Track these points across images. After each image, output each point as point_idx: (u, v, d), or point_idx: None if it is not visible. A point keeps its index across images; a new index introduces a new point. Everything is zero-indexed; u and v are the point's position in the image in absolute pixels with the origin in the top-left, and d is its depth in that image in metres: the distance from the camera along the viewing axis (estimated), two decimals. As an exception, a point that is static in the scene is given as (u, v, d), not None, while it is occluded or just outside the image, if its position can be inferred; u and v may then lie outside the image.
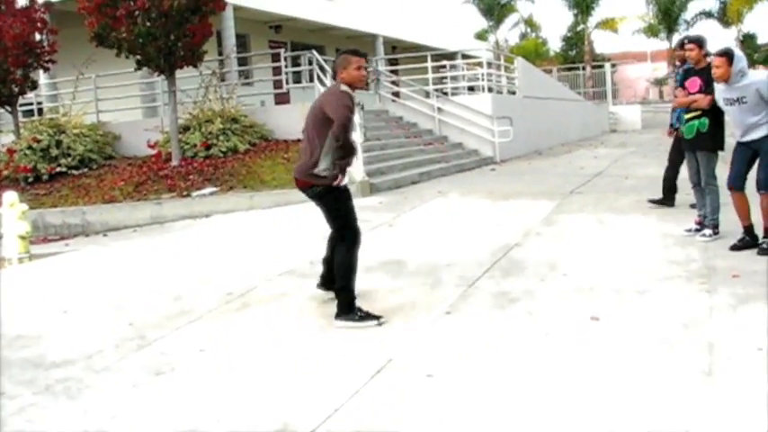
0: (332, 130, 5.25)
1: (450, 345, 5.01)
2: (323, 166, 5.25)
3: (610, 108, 31.57)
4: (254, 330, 5.67)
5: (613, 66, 37.22)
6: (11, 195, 10.52)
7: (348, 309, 5.56)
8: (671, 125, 9.54)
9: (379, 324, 5.46)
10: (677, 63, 8.02)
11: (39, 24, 16.44)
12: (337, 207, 5.67)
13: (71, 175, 15.80)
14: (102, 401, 4.48)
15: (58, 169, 15.81)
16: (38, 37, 16.50)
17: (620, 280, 6.37)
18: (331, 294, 5.92)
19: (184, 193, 13.59)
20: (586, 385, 4.21)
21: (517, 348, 4.87)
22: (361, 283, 5.89)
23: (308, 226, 9.09)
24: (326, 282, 6.11)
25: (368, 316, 5.54)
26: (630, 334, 4.99)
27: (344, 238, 5.70)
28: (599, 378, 4.30)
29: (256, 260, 8.19)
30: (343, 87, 5.48)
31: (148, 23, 13.92)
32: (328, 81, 14.78)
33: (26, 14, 16.23)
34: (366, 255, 7.81)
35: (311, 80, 16.68)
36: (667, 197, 9.75)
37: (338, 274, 5.62)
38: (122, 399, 4.49)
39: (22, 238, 10.28)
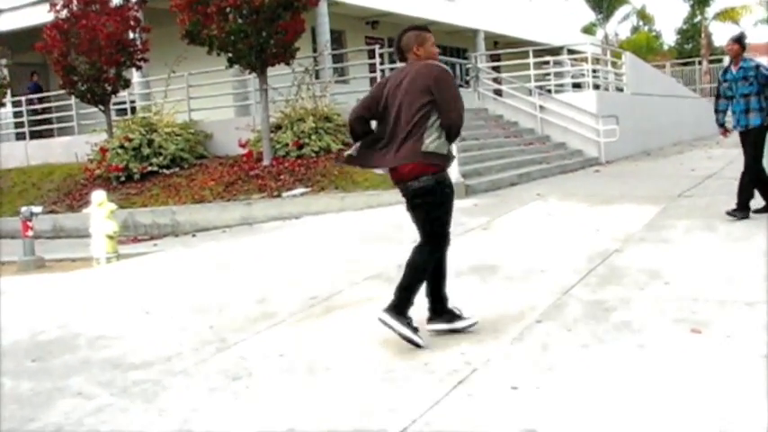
0: (445, 118, 5.00)
1: (538, 355, 4.93)
2: (436, 144, 5.01)
3: (728, 105, 30.63)
4: (336, 336, 5.71)
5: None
6: (99, 194, 10.90)
7: (402, 309, 5.19)
8: (720, 124, 9.40)
9: (419, 347, 5.12)
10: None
11: (132, 23, 17.03)
12: (442, 208, 5.19)
13: (162, 174, 16.28)
14: (177, 405, 4.59)
15: (150, 168, 16.32)
16: (131, 35, 17.09)
17: (726, 290, 6.17)
18: (444, 326, 5.45)
19: (275, 193, 13.82)
20: (680, 403, 4.09)
21: (608, 361, 4.76)
22: (451, 287, 5.85)
23: (399, 228, 9.11)
24: (436, 309, 5.50)
25: (415, 332, 5.17)
26: (734, 349, 4.82)
27: (432, 243, 5.23)
28: (694, 396, 4.17)
29: (344, 263, 8.26)
30: (434, 62, 5.20)
31: (240, 20, 14.23)
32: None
33: (120, 13, 16.82)
34: (458, 258, 7.80)
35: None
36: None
37: (407, 272, 5.22)
38: (198, 402, 4.59)
39: (110, 237, 10.64)
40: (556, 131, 18.47)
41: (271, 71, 15.58)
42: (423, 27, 5.45)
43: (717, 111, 9.39)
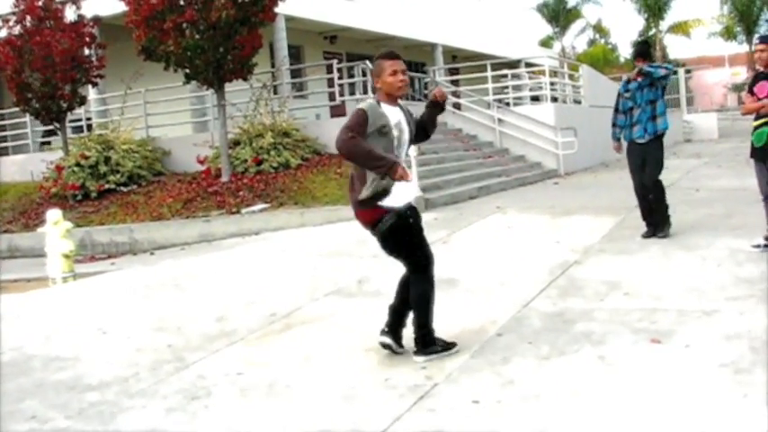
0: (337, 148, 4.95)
1: (499, 369, 4.93)
2: (366, 191, 4.94)
3: (684, 116, 31.07)
4: (296, 353, 5.66)
5: (688, 72, 36.59)
6: (54, 213, 10.75)
7: (429, 341, 5.23)
8: (617, 139, 9.33)
9: (457, 351, 5.27)
10: (758, 67, 7.85)
11: (87, 39, 16.90)
12: (410, 235, 5.12)
13: (120, 192, 16.14)
14: (134, 427, 4.51)
15: (107, 186, 16.17)
16: (86, 51, 16.93)
17: (685, 300, 6.23)
18: (399, 348, 5.35)
19: (234, 209, 13.74)
20: (640, 413, 4.10)
21: (569, 373, 4.77)
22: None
23: (359, 243, 9.07)
24: (394, 330, 5.37)
25: (447, 345, 5.29)
26: (693, 358, 4.86)
27: (418, 265, 5.17)
28: (654, 406, 4.18)
29: (304, 279, 8.21)
30: (368, 101, 5.00)
31: (196, 36, 14.18)
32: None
33: (75, 29, 16.68)
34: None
35: (365, 92, 16.75)
36: None
37: (414, 309, 5.22)
38: (155, 424, 4.52)
39: (66, 256, 10.49)
40: (515, 144, 18.56)
41: (228, 87, 15.53)
42: (385, 54, 5.11)
43: (614, 125, 9.26)
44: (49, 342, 6.69)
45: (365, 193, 4.94)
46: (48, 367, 5.86)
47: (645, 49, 9.47)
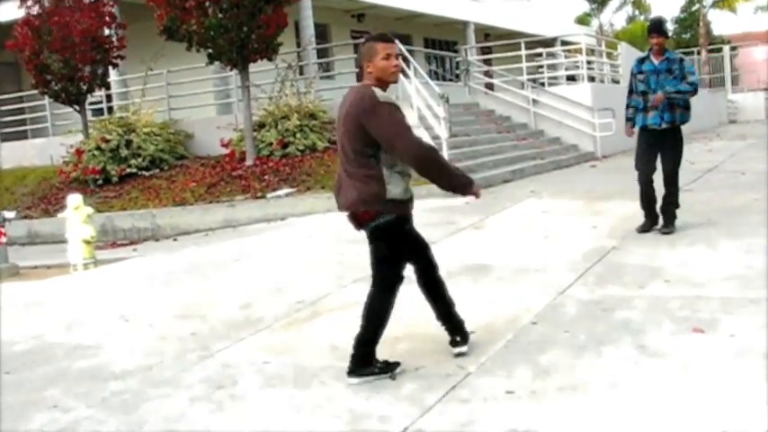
0: (396, 155, 4.64)
1: (534, 358, 4.92)
2: (396, 190, 4.69)
3: (729, 96, 30.76)
4: (323, 341, 5.69)
5: (733, 48, 36.18)
6: (75, 198, 10.84)
7: (366, 360, 4.88)
8: (629, 119, 8.82)
9: (392, 378, 4.83)
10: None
11: (107, 18, 16.96)
12: (401, 244, 4.93)
13: (141, 176, 16.24)
14: (158, 416, 4.55)
15: (128, 170, 16.27)
16: (106, 32, 17.01)
17: (729, 287, 6.17)
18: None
19: (259, 194, 13.80)
20: (682, 404, 4.08)
21: (608, 363, 4.75)
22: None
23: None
24: (457, 331, 5.17)
25: (385, 368, 4.89)
26: (738, 348, 4.82)
27: (385, 281, 4.91)
28: (698, 398, 4.16)
29: (331, 266, 8.23)
30: (376, 91, 4.65)
31: (219, 15, 14.20)
32: (412, 74, 14.80)
33: (94, 8, 16.76)
34: (449, 259, 7.79)
35: (394, 72, 16.68)
36: None
37: (370, 319, 4.87)
38: (180, 413, 4.56)
39: (87, 242, 10.59)
40: (550, 126, 18.49)
41: (253, 67, 15.56)
42: (378, 36, 4.86)
43: (629, 106, 8.79)
44: (71, 330, 6.78)
45: (396, 191, 4.69)
46: (69, 356, 5.94)
47: (659, 23, 8.70)
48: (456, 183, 4.79)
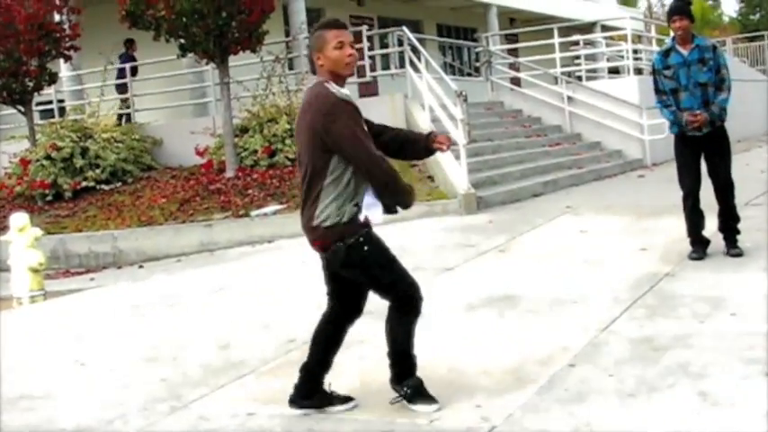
0: (357, 166, 4.76)
1: (572, 408, 4.91)
2: (327, 212, 4.81)
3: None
4: (319, 388, 5.67)
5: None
6: (20, 217, 10.85)
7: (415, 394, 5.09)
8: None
9: (350, 409, 5.20)
10: None
11: (58, 2, 16.95)
12: (377, 263, 4.97)
13: (100, 190, 16.28)
14: (121, 479, 4.55)
15: (84, 184, 16.29)
16: (57, 18, 17.01)
17: (808, 322, 6.16)
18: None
19: (241, 212, 13.81)
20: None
21: (661, 412, 4.74)
22: (462, 324, 5.82)
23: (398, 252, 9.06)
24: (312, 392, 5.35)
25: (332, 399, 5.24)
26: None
27: (401, 298, 5.05)
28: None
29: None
30: (329, 87, 4.78)
31: (193, -3, 14.22)
32: (423, 67, 14.84)
33: (42, -10, 16.74)
34: (469, 288, 7.80)
35: (402, 65, 16.75)
36: None
37: (398, 351, 5.10)
38: (147, 476, 4.56)
39: (35, 271, 10.60)
40: (589, 128, 18.46)
41: (233, 60, 15.60)
42: (327, 23, 4.97)
43: (666, 105, 8.55)
44: (15, 376, 6.76)
45: (324, 214, 4.81)
46: (13, 407, 5.93)
47: (681, 3, 8.52)
48: (403, 197, 4.95)
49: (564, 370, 5.59)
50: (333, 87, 4.78)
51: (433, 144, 5.15)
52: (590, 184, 15.42)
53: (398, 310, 5.03)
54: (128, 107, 19.87)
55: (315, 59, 4.89)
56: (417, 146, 5.21)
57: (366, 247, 4.87)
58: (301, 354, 6.46)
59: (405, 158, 5.47)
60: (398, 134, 5.23)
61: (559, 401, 5.05)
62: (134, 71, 19.76)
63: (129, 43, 19.81)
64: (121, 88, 19.62)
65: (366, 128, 4.88)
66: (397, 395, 5.06)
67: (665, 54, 8.56)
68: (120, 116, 20.04)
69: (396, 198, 4.92)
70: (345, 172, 4.76)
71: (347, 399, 5.25)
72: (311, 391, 5.19)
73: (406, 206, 4.99)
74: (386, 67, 19.43)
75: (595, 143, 18.26)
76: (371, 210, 4.91)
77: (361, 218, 4.85)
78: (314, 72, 5.00)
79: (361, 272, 4.97)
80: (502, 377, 5.44)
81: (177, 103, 19.28)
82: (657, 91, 8.65)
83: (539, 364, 5.73)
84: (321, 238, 4.86)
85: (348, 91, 4.90)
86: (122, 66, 19.64)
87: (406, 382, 5.04)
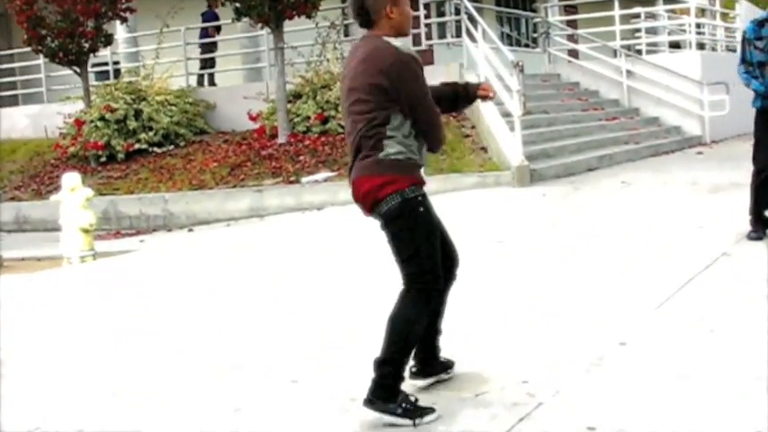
0: (418, 123, 4.57)
1: (622, 387, 4.81)
2: (396, 148, 4.52)
3: None
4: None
5: None
6: (72, 178, 10.90)
7: (390, 393, 4.59)
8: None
9: (415, 426, 4.51)
10: None
11: (115, -36, 16.97)
12: (417, 235, 4.63)
13: (152, 153, 16.35)
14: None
15: (137, 146, 16.38)
16: (114, -21, 17.05)
17: None
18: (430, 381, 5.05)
19: (292, 178, 13.80)
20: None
21: (713, 392, 4.63)
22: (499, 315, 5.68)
23: (447, 224, 8.99)
24: (426, 362, 5.09)
25: (415, 410, 4.57)
26: None
27: (418, 286, 4.68)
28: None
29: (375, 271, 8.15)
30: (396, 43, 4.57)
31: (250, -41, 14.19)
32: (480, 36, 14.69)
33: (99, -50, 16.79)
34: (519, 264, 7.71)
35: (458, 34, 16.61)
36: None
37: (394, 337, 4.60)
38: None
39: (85, 231, 10.66)
40: (647, 103, 18.24)
41: (288, 26, 15.54)
42: None
43: (752, 77, 8.18)
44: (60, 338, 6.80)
45: (392, 151, 4.54)
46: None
47: None
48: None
49: (615, 348, 5.48)
50: (397, 42, 4.59)
51: (477, 92, 5.01)
52: (646, 159, 15.24)
53: (422, 291, 4.67)
54: (211, 67, 19.95)
55: (384, 12, 4.60)
56: (460, 99, 5.07)
57: (422, 209, 4.61)
58: (339, 335, 6.45)
59: (446, 110, 5.03)
60: (439, 91, 4.96)
61: (608, 380, 4.95)
62: (218, 29, 19.76)
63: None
64: (205, 48, 19.68)
65: None
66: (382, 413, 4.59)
67: (760, 24, 8.21)
68: (200, 77, 20.16)
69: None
70: (404, 126, 4.54)
71: (430, 410, 4.63)
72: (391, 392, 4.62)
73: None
74: (442, 35, 19.25)
75: (653, 118, 18.05)
76: None
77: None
78: (367, 26, 4.71)
79: (400, 232, 4.63)
80: (551, 354, 5.35)
81: (232, 68, 19.25)
82: (743, 61, 8.32)
83: (588, 341, 5.64)
84: (388, 172, 4.53)
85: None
86: (206, 25, 19.61)
87: (401, 398, 4.58)
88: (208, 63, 20.10)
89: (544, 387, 4.89)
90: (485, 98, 5.07)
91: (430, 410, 4.60)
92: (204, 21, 19.44)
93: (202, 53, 19.94)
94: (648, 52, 20.83)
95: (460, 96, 5.07)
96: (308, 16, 15.38)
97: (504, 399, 4.77)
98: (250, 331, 6.55)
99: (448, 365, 5.14)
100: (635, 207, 10.43)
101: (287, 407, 4.92)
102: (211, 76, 20.27)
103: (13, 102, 21.88)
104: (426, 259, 4.63)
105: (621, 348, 5.48)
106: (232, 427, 4.69)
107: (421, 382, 5.02)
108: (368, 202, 4.62)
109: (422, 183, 4.65)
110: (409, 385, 4.81)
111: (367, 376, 4.57)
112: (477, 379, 5.09)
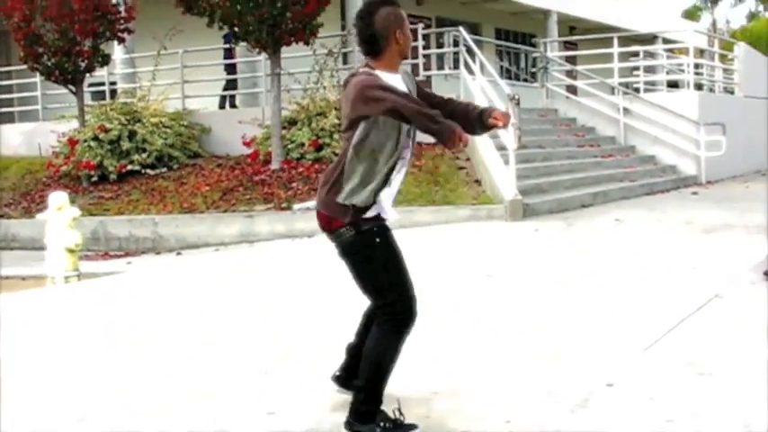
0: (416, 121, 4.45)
1: (605, 428, 4.68)
2: (348, 189, 4.52)
3: None
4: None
5: None
6: (59, 197, 10.80)
7: (367, 416, 4.61)
8: None
9: None
10: None
11: (113, -17, 16.96)
12: (380, 260, 4.62)
13: (145, 175, 16.30)
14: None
15: (130, 167, 16.33)
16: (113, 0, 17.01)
17: None
18: (349, 395, 4.90)
19: (284, 204, 13.73)
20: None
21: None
22: (484, 350, 5.59)
23: (436, 257, 8.90)
24: (348, 374, 5.04)
25: (397, 426, 4.59)
26: None
27: (391, 312, 4.64)
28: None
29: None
30: (365, 69, 4.59)
31: (249, -15, 14.15)
32: (477, 69, 14.65)
33: (99, -30, 16.78)
34: (509, 296, 7.60)
35: (456, 66, 16.58)
36: None
37: (366, 366, 4.63)
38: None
39: (71, 251, 10.53)
40: (644, 141, 18.24)
41: (286, 52, 15.50)
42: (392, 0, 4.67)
43: None
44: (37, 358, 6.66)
45: (350, 197, 4.51)
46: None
47: None
48: (436, 128, 4.40)
49: (600, 390, 5.35)
50: (385, 76, 4.51)
51: (489, 119, 4.75)
52: (641, 197, 15.20)
53: (389, 322, 4.61)
54: (234, 88, 19.84)
55: (394, 38, 4.56)
56: (472, 118, 4.79)
57: (378, 239, 4.58)
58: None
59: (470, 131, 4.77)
60: (455, 107, 4.83)
61: (592, 420, 4.83)
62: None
63: None
64: (230, 69, 19.59)
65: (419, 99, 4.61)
66: None
67: None
68: (222, 99, 20.07)
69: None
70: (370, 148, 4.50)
71: (412, 426, 4.66)
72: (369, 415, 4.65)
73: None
74: (441, 66, 19.24)
75: (649, 157, 18.02)
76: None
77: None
78: (373, 54, 4.61)
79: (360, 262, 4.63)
80: (537, 396, 5.23)
81: (227, 92, 19.20)
82: None
83: (577, 382, 5.51)
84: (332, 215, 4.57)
85: (396, 74, 4.62)
86: (227, 46, 19.30)
87: (379, 418, 4.57)
88: (230, 85, 20.04)
89: (527, 427, 4.77)
90: (495, 126, 4.82)
91: (411, 427, 4.57)
92: (225, 42, 19.31)
93: (228, 74, 19.87)
94: (646, 91, 20.82)
95: (473, 119, 4.80)
96: (306, 43, 15.34)
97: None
98: (231, 356, 6.43)
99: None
100: (628, 245, 10.34)
101: (262, 439, 4.80)
102: (233, 98, 20.24)
103: (9, 119, 21.83)
104: (390, 285, 4.61)
105: (608, 390, 5.35)
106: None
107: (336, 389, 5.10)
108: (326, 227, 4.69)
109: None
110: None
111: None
112: (458, 416, 4.96)
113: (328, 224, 4.62)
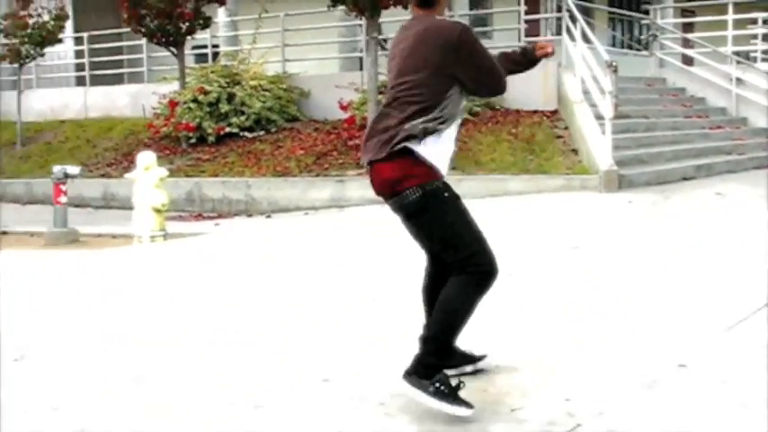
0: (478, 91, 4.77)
1: (674, 413, 4.42)
2: (415, 122, 4.39)
3: None
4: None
5: None
6: (146, 156, 10.86)
7: (429, 370, 4.42)
8: None
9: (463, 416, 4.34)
10: None
11: (216, -55, 16.98)
12: (449, 217, 4.51)
13: (242, 137, 16.38)
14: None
15: (228, 129, 16.42)
16: (215, -39, 17.07)
17: None
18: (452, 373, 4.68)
19: (375, 170, 13.57)
20: None
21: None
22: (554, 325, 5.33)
23: (522, 226, 8.67)
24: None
25: (451, 393, 4.37)
26: None
27: (476, 263, 4.49)
28: None
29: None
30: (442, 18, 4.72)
31: (349, -56, 14.01)
32: (578, 35, 14.28)
33: (203, -71, 16.80)
34: (596, 267, 7.34)
35: (558, 32, 16.25)
36: None
37: (440, 316, 4.49)
38: None
39: (157, 211, 10.58)
40: (757, 113, 17.56)
41: (385, 15, 15.30)
42: None
43: None
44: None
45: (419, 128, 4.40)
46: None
47: None
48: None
49: (670, 370, 5.07)
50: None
51: (537, 53, 4.90)
52: (749, 171, 14.61)
53: (472, 274, 4.47)
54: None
55: None
56: (515, 59, 4.94)
57: (446, 193, 4.48)
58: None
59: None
60: (498, 58, 4.85)
61: (659, 402, 4.57)
62: None
63: None
64: None
65: None
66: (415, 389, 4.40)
67: None
68: None
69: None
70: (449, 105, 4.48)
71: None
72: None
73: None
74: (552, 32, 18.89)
75: (762, 129, 17.38)
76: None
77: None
78: (428, 6, 4.67)
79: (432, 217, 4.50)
80: (599, 370, 4.99)
81: (328, 56, 19.15)
82: None
83: (642, 361, 5.25)
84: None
85: None
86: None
87: (438, 377, 4.38)
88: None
89: (587, 407, 4.54)
90: (545, 56, 4.93)
91: (466, 404, 4.39)
92: None
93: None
94: (764, 60, 20.08)
95: (519, 63, 4.94)
96: (405, 6, 15.11)
97: (540, 416, 4.44)
98: (294, 325, 6.32)
99: (472, 359, 5.01)
100: (725, 221, 9.94)
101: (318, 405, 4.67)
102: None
103: (118, 80, 22.14)
104: (469, 243, 4.51)
105: (680, 371, 5.07)
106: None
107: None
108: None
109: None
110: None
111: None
112: (517, 391, 4.77)
113: (394, 186, 4.51)
